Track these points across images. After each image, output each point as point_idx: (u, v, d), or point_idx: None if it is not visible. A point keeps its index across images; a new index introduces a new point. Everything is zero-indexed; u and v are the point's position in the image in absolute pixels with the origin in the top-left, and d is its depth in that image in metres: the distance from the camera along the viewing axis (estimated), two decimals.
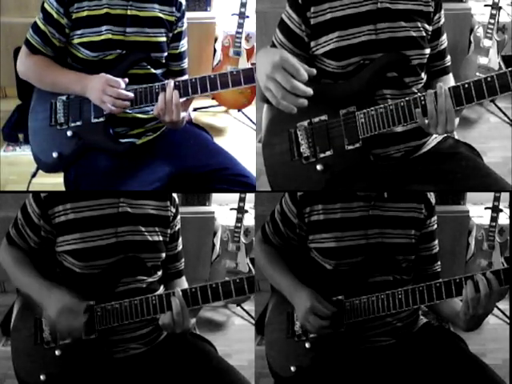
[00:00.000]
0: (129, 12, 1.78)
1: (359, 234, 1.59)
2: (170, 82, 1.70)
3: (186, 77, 2.00)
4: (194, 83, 1.72)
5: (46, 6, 1.78)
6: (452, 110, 1.45)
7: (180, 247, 1.75)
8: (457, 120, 1.49)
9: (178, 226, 1.72)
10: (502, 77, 1.43)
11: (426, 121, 1.47)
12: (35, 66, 1.83)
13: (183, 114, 1.72)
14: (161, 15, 1.83)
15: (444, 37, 1.71)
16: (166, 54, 1.88)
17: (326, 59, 1.59)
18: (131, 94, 1.72)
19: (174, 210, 1.68)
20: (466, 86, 1.45)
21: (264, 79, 1.42)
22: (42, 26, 1.79)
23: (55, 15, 1.76)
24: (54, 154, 1.80)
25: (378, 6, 1.56)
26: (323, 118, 1.58)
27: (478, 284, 1.43)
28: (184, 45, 1.96)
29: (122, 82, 1.71)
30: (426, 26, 1.61)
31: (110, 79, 1.71)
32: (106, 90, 1.70)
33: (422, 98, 1.49)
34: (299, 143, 1.60)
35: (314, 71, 1.45)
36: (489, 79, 1.43)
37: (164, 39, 1.85)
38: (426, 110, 1.48)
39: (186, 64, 2.00)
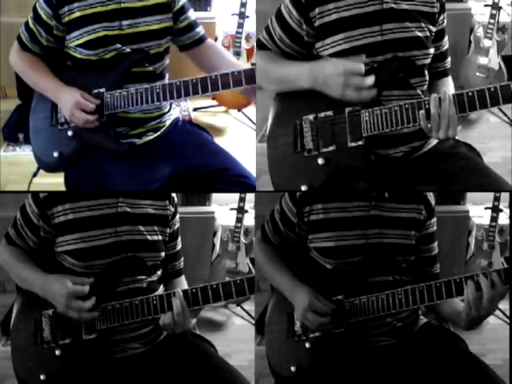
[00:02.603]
0: (123, 5, 1.78)
1: (359, 233, 1.59)
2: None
3: (208, 41, 2.00)
4: (195, 83, 1.72)
5: (37, 5, 1.79)
6: (455, 115, 1.46)
7: (179, 246, 1.75)
8: (459, 127, 1.49)
9: (177, 225, 1.73)
10: (505, 88, 1.45)
11: (429, 124, 1.48)
12: (22, 62, 1.86)
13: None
14: (156, 1, 1.81)
15: (446, 38, 1.71)
16: (164, 40, 1.86)
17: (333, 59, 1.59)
18: (96, 118, 1.73)
19: (172, 209, 1.68)
20: (470, 94, 1.47)
21: (340, 89, 1.53)
22: (31, 24, 1.82)
23: (44, 16, 1.77)
24: (55, 154, 1.81)
25: (383, 7, 1.56)
26: (329, 113, 1.59)
27: (480, 285, 1.43)
28: (191, 15, 1.94)
29: (90, 105, 1.73)
30: (430, 27, 1.61)
31: (79, 102, 1.73)
32: (74, 113, 1.74)
33: (427, 101, 1.50)
34: (303, 135, 1.61)
35: (364, 59, 1.53)
36: (492, 89, 1.45)
37: (162, 26, 1.84)
38: (430, 113, 1.49)
39: (202, 30, 1.98)
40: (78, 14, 1.76)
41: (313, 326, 1.54)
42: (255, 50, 1.75)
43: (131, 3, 1.78)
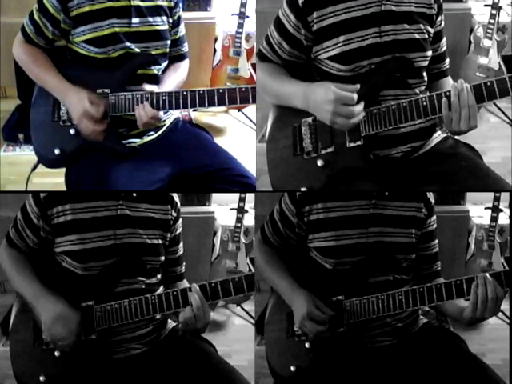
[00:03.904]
0: (132, 3, 1.78)
1: (359, 232, 1.59)
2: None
3: (186, 61, 2.03)
4: (202, 95, 1.70)
5: None
6: (475, 104, 1.46)
7: (181, 251, 1.75)
8: (478, 118, 1.49)
9: (179, 230, 1.72)
10: None
11: (451, 115, 1.47)
12: (25, 56, 1.83)
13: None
14: (161, 3, 1.84)
15: (444, 40, 1.71)
16: (169, 41, 1.88)
17: (331, 63, 1.59)
18: (104, 128, 1.73)
19: (175, 214, 1.68)
20: (489, 83, 1.46)
21: (329, 117, 1.51)
22: (36, 17, 1.78)
23: (51, 9, 1.75)
24: (56, 151, 1.80)
25: (382, 9, 1.56)
26: None
27: (487, 288, 1.43)
28: (183, 29, 1.97)
29: (97, 115, 1.71)
30: (429, 29, 1.61)
31: (88, 110, 1.70)
32: (81, 121, 1.72)
33: (424, 99, 1.51)
34: (302, 138, 1.62)
35: (358, 86, 1.52)
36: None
37: (166, 27, 1.86)
38: (428, 111, 1.49)
39: (185, 48, 2.02)
40: (87, 8, 1.74)
41: (310, 333, 1.55)
42: (256, 61, 1.74)
43: (140, 2, 1.79)
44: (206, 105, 1.71)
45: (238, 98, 1.69)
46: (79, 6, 1.74)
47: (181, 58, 2.01)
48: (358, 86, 1.52)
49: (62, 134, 1.80)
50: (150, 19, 1.81)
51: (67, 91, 1.76)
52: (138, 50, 1.79)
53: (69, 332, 1.47)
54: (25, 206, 1.60)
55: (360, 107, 1.51)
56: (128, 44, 1.77)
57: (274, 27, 1.64)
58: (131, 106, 1.75)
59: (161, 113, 1.75)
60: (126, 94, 1.75)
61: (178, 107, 1.73)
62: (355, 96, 1.50)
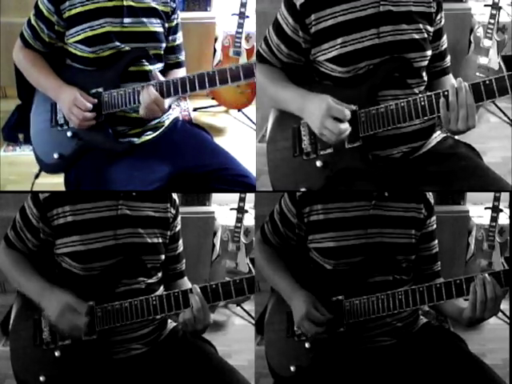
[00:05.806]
0: (125, 3, 1.79)
1: (359, 233, 1.59)
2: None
3: (183, 69, 2.03)
4: (192, 80, 1.71)
5: (38, 2, 1.80)
6: (473, 104, 1.46)
7: (181, 248, 1.75)
8: (476, 117, 1.49)
9: (179, 228, 1.72)
10: None
11: (449, 115, 1.47)
12: (24, 60, 1.87)
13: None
14: (155, 6, 1.84)
15: (444, 37, 1.71)
16: (164, 44, 1.88)
17: (329, 64, 1.59)
18: (93, 116, 1.74)
19: (173, 212, 1.68)
20: (487, 82, 1.46)
21: (318, 126, 1.53)
22: (33, 21, 1.83)
23: (45, 12, 1.78)
24: (55, 155, 1.81)
25: (380, 10, 1.56)
26: None
27: (486, 288, 1.43)
28: (180, 37, 1.98)
29: (88, 104, 1.74)
30: (428, 28, 1.61)
31: (77, 99, 1.74)
32: (71, 109, 1.75)
33: (422, 98, 1.51)
34: (301, 139, 1.62)
35: (353, 107, 1.54)
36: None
37: (161, 30, 1.86)
38: (426, 111, 1.49)
39: (183, 56, 2.02)
40: (79, 9, 1.76)
41: (307, 333, 1.55)
42: (256, 62, 1.73)
43: (132, 2, 1.80)
44: (197, 88, 1.71)
45: (229, 78, 1.69)
46: (71, 7, 1.77)
47: (178, 65, 2.01)
48: (356, 107, 1.54)
49: (60, 137, 1.82)
50: (144, 20, 1.82)
51: (61, 89, 1.79)
52: (128, 49, 1.79)
53: (80, 321, 1.47)
54: (24, 208, 1.59)
55: (346, 125, 1.51)
56: (119, 43, 1.78)
57: (273, 29, 1.65)
58: (124, 101, 1.75)
59: (166, 102, 1.75)
60: (118, 90, 1.76)
61: (169, 95, 1.72)
62: (348, 112, 1.51)
